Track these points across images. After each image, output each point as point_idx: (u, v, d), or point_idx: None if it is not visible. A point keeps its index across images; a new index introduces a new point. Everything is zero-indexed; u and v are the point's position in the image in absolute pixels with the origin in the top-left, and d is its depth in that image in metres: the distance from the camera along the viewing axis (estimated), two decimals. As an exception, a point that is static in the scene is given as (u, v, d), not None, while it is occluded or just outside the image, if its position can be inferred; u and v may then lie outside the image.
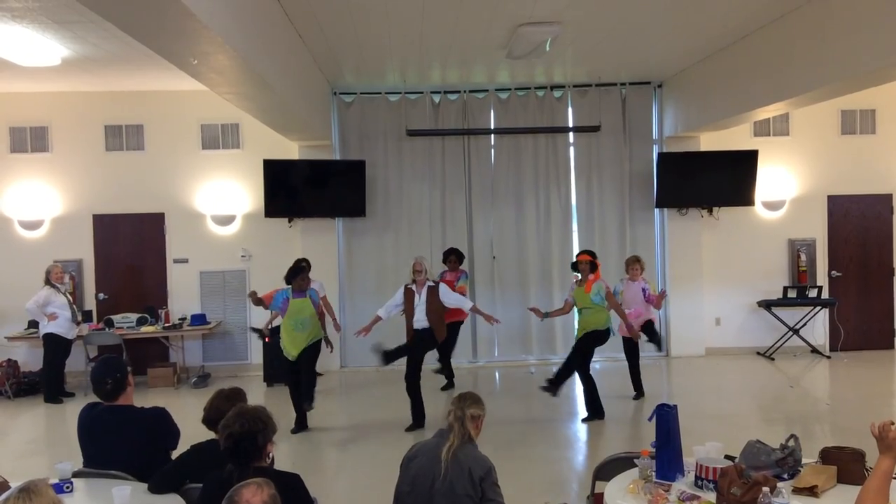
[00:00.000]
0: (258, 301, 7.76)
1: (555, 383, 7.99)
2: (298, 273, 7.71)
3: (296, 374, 7.78)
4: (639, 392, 8.82)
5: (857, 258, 11.31)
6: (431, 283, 7.90)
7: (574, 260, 8.41)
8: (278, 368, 10.05)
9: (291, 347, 7.69)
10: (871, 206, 11.28)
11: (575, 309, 8.24)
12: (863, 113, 11.18)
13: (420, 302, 7.82)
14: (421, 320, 7.79)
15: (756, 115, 9.49)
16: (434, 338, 7.89)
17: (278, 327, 8.22)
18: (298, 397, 7.79)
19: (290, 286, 7.74)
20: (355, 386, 10.02)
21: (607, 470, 4.04)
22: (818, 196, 11.24)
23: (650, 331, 8.88)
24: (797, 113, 10.85)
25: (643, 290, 8.75)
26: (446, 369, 9.53)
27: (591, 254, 8.17)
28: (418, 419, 7.79)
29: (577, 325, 8.28)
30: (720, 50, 9.18)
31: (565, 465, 6.73)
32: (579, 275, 8.08)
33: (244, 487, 2.62)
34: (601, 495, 3.64)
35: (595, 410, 7.96)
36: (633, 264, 8.85)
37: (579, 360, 7.99)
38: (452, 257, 9.50)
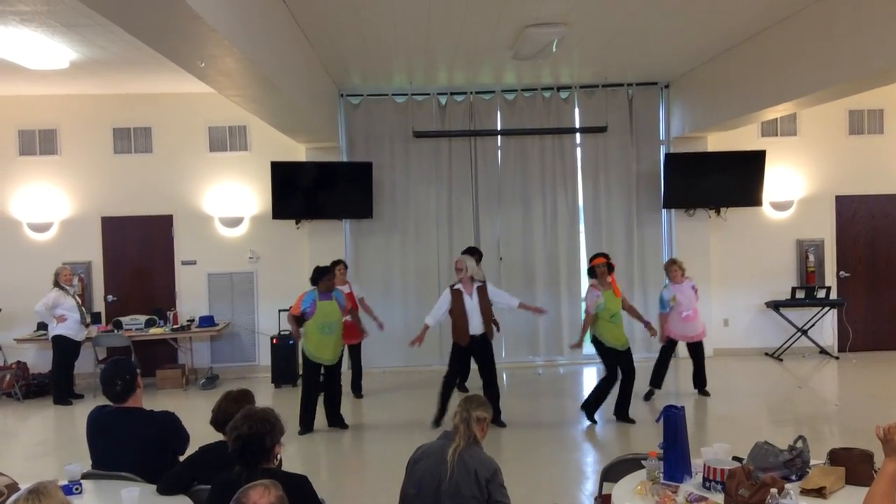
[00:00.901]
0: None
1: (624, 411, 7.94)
2: (325, 274, 7.63)
3: (319, 383, 7.75)
4: (657, 386, 8.86)
5: (865, 258, 11.27)
6: (479, 283, 7.79)
7: (591, 265, 8.06)
8: (286, 370, 10.14)
9: (320, 351, 7.60)
10: (879, 206, 11.24)
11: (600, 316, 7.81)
12: (871, 113, 11.14)
13: (473, 305, 7.66)
14: (477, 325, 7.65)
15: (764, 116, 9.46)
16: (488, 342, 7.79)
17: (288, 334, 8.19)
18: (313, 405, 7.75)
19: (315, 287, 7.68)
20: (372, 388, 9.90)
21: (615, 471, 4.03)
22: (826, 196, 11.20)
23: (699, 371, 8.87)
24: (805, 113, 10.83)
25: (692, 287, 8.71)
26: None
27: (606, 256, 8.08)
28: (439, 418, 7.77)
29: (605, 334, 7.80)
30: (728, 50, 9.17)
31: (573, 466, 6.73)
32: (596, 279, 7.85)
33: (252, 489, 2.63)
34: (609, 497, 3.64)
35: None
36: (672, 267, 8.73)
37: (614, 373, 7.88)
38: (476, 257, 9.20)
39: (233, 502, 2.62)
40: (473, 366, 8.02)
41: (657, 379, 8.85)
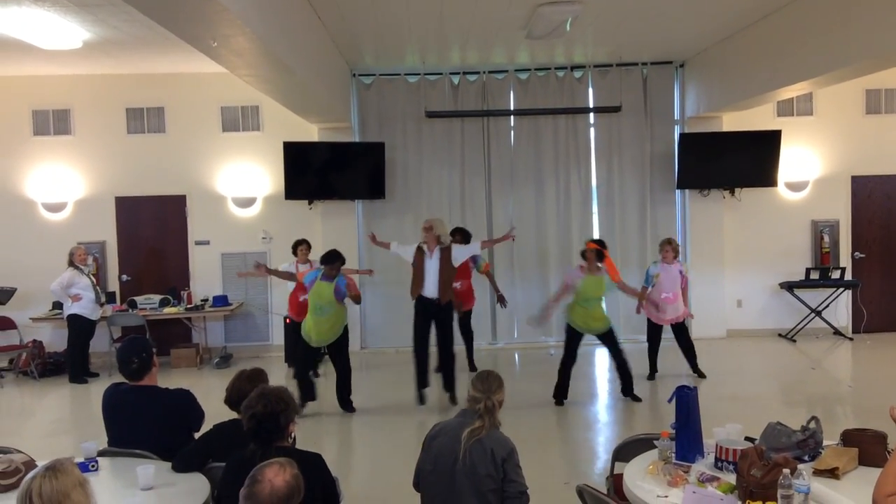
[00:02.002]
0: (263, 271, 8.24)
1: (629, 389, 7.97)
2: (334, 260, 7.60)
3: (310, 359, 7.90)
4: (653, 371, 8.86)
5: (880, 239, 11.19)
6: (443, 245, 7.76)
7: (585, 248, 7.99)
8: (293, 345, 10.18)
9: (313, 332, 7.61)
10: (895, 187, 11.13)
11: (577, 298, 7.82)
12: (888, 92, 11.00)
13: (433, 265, 7.64)
14: (431, 287, 7.64)
15: (779, 95, 9.38)
16: (447, 310, 7.75)
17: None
18: (306, 384, 7.77)
19: (322, 267, 7.64)
20: (375, 366, 10.06)
21: (627, 451, 4.05)
22: (842, 177, 11.11)
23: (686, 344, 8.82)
24: (821, 92, 10.71)
25: (680, 272, 8.59)
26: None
27: (601, 242, 8.09)
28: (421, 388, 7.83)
29: (573, 316, 7.85)
30: (743, 28, 9.07)
31: (584, 446, 6.75)
32: (585, 262, 7.78)
33: (267, 467, 2.65)
34: (621, 476, 3.65)
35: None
36: (665, 246, 8.64)
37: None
38: (458, 236, 9.03)
39: (248, 480, 2.64)
40: (487, 346, 7.99)
41: (652, 365, 8.85)
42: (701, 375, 8.78)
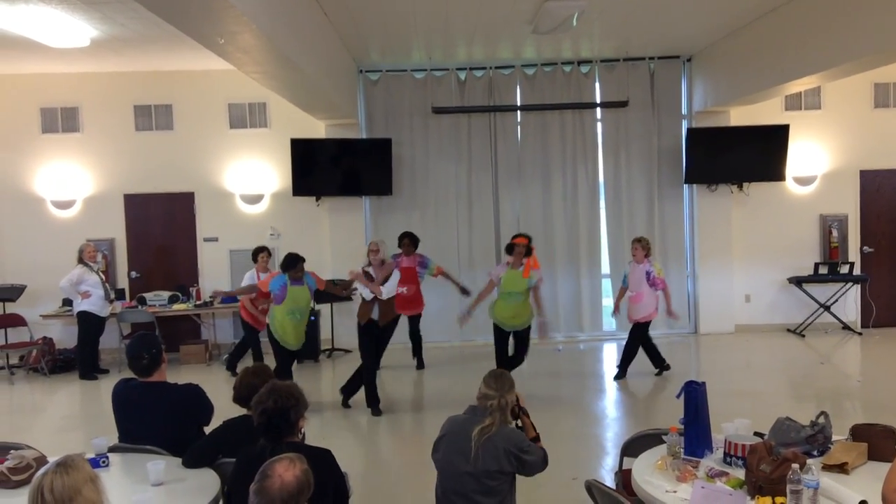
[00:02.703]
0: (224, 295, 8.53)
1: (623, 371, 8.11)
2: (296, 263, 7.54)
3: (290, 364, 7.83)
4: (662, 367, 8.78)
5: (889, 234, 11.15)
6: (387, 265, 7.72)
7: (511, 242, 7.94)
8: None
9: (290, 338, 7.57)
10: (905, 181, 11.10)
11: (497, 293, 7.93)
12: (897, 86, 10.97)
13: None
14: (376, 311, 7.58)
15: (787, 89, 9.34)
16: (384, 329, 7.69)
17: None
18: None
19: (286, 273, 7.55)
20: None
21: (635, 446, 4.04)
22: (850, 171, 11.07)
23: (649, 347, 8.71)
24: (829, 86, 10.67)
25: (647, 272, 8.38)
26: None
27: (529, 238, 8.00)
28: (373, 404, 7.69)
29: (494, 310, 7.92)
30: (751, 22, 9.04)
31: (593, 441, 6.75)
32: (511, 257, 7.78)
33: (277, 462, 2.67)
34: (629, 471, 3.65)
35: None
36: (634, 244, 8.54)
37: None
38: (406, 240, 9.11)
39: (259, 475, 2.65)
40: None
41: (657, 362, 8.77)
42: (620, 378, 8.64)
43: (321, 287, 7.83)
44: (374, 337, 7.65)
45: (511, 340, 8.03)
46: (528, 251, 7.80)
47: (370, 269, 7.63)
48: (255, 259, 9.25)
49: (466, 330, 9.52)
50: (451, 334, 10.55)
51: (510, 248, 7.87)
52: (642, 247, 8.48)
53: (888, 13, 6.48)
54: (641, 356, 8.71)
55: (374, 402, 7.60)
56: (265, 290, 7.78)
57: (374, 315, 7.56)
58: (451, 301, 10.19)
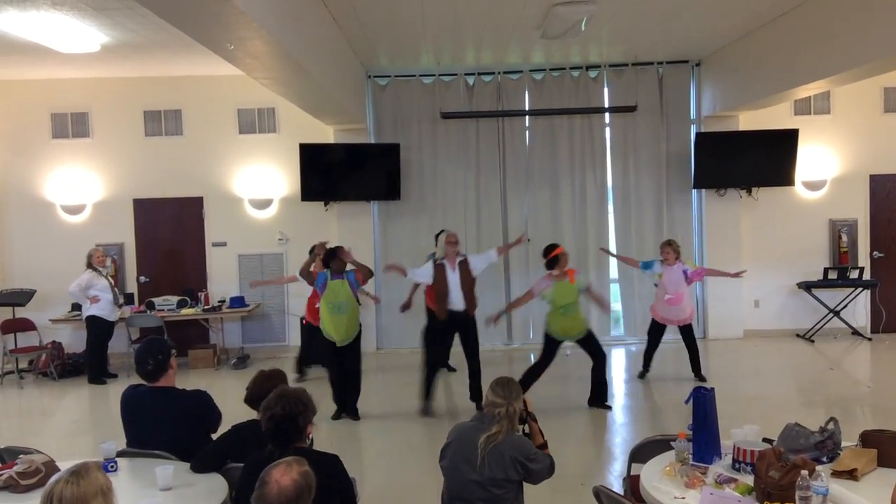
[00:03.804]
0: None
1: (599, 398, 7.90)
2: (333, 256, 7.60)
3: (339, 363, 7.68)
4: (645, 369, 8.88)
5: (900, 239, 11.10)
6: (461, 258, 7.74)
7: (551, 256, 7.67)
8: (315, 350, 10.21)
9: (334, 332, 7.56)
10: (915, 186, 11.05)
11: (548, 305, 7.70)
12: (906, 90, 10.94)
13: (455, 279, 7.60)
14: (458, 300, 7.61)
15: (796, 94, 9.33)
16: (472, 319, 7.73)
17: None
18: (340, 386, 7.71)
19: (328, 268, 7.65)
20: (391, 368, 10.08)
21: (643, 452, 4.03)
22: (860, 175, 11.03)
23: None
24: (838, 91, 10.64)
25: (684, 272, 8.48)
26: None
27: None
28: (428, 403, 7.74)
29: (552, 325, 7.71)
30: (760, 27, 9.02)
31: (601, 447, 6.74)
32: (554, 270, 7.60)
33: (274, 468, 2.65)
34: (637, 477, 3.64)
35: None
36: (665, 248, 8.56)
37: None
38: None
39: (258, 482, 2.65)
40: (503, 346, 7.94)
41: (646, 363, 8.83)
42: (702, 379, 8.60)
43: (361, 283, 7.79)
44: (458, 329, 7.68)
45: (569, 349, 7.86)
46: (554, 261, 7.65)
47: (445, 262, 7.62)
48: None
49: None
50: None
51: (553, 262, 7.62)
52: (673, 249, 8.48)
53: (895, 19, 6.47)
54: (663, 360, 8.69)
55: (429, 400, 7.75)
56: (294, 279, 8.00)
57: (458, 306, 7.57)
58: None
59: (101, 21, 7.67)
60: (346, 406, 7.74)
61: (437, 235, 8.95)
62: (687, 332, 8.67)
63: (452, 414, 7.69)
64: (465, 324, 7.71)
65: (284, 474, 2.61)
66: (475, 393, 7.75)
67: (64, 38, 8.13)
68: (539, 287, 7.70)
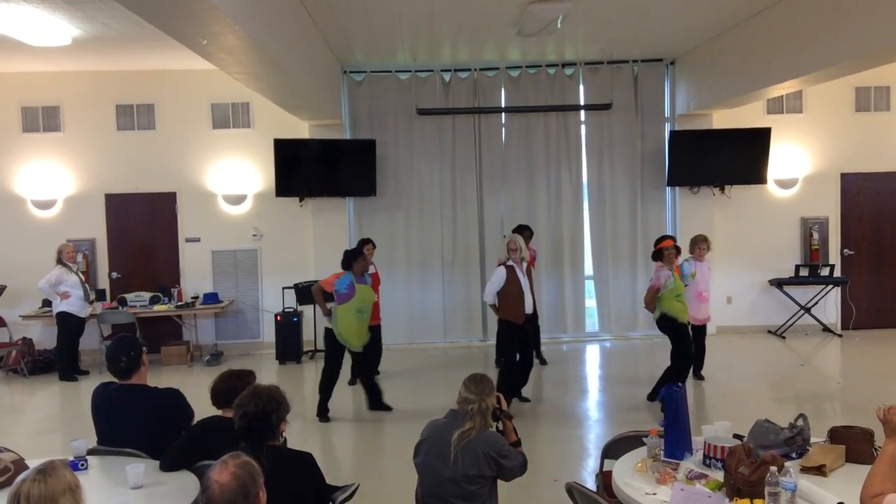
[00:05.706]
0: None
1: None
2: (358, 255, 7.41)
3: (339, 363, 7.50)
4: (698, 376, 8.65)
5: (870, 236, 11.25)
6: (526, 262, 7.75)
7: (660, 248, 7.64)
8: (290, 347, 10.17)
9: (354, 338, 7.32)
10: (885, 184, 11.19)
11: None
12: (877, 90, 11.07)
13: (526, 282, 7.50)
14: (529, 303, 7.52)
15: (769, 93, 9.41)
16: (536, 319, 8.11)
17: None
18: (331, 386, 7.52)
19: (350, 270, 7.36)
20: (398, 363, 9.86)
21: (616, 448, 4.06)
22: (831, 174, 11.16)
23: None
24: (811, 90, 10.75)
25: (709, 268, 8.52)
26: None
27: (673, 238, 7.88)
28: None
29: (673, 310, 7.54)
30: (733, 26, 9.09)
31: (574, 443, 6.77)
32: (662, 262, 7.53)
33: (211, 470, 2.60)
34: (610, 473, 3.67)
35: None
36: (701, 244, 8.39)
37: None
38: (527, 232, 8.99)
39: (201, 487, 2.61)
40: (479, 343, 7.93)
41: (697, 369, 8.55)
42: (700, 379, 8.58)
43: (374, 286, 7.68)
44: (527, 328, 7.69)
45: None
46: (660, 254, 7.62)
47: (513, 264, 7.46)
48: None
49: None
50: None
51: (661, 254, 7.57)
52: (708, 245, 8.44)
53: (868, 18, 6.54)
54: (627, 360, 8.73)
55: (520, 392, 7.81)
56: (330, 290, 7.39)
57: (529, 308, 7.56)
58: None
59: (72, 14, 7.56)
60: (376, 403, 7.73)
61: (360, 242, 8.74)
62: (703, 330, 8.49)
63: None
64: (532, 324, 7.91)
65: (222, 472, 2.57)
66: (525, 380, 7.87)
67: (35, 30, 8.01)
68: (662, 279, 7.51)
